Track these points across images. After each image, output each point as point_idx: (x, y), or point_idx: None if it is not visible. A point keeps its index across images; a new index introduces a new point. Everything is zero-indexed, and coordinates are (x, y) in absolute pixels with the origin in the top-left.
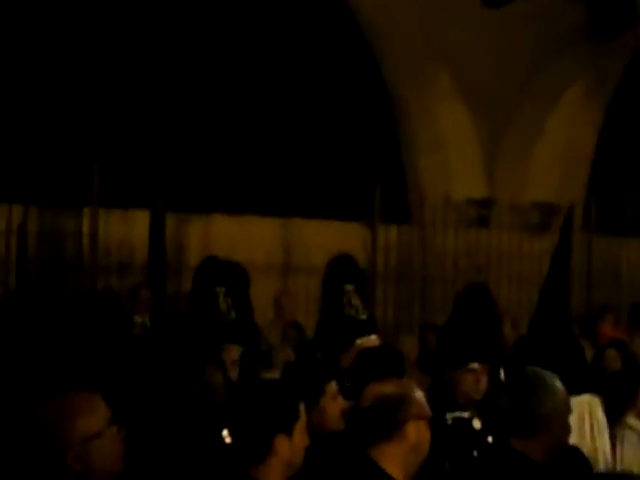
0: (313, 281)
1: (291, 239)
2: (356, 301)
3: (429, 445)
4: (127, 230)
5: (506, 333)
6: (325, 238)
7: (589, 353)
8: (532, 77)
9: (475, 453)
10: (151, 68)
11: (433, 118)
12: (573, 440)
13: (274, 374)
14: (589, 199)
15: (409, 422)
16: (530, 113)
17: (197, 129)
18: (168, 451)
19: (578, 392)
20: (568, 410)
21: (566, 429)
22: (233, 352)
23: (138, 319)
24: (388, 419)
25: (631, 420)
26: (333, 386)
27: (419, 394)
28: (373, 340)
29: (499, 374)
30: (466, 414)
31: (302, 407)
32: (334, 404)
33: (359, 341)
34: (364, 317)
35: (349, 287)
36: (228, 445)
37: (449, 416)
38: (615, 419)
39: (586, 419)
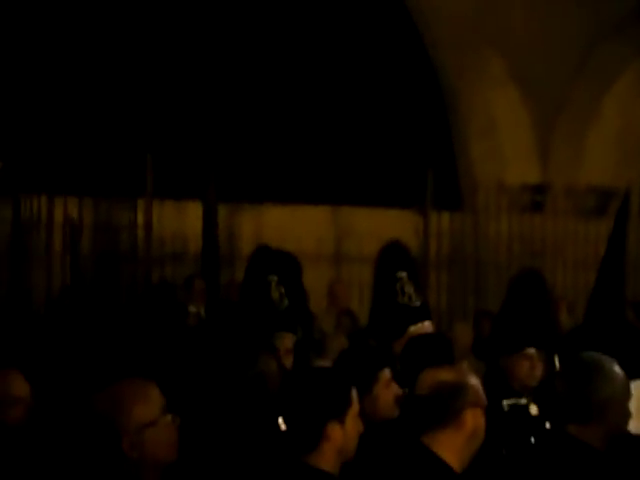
0: (365, 269)
1: (342, 227)
2: (409, 288)
3: (484, 433)
4: (180, 221)
5: (562, 319)
6: (376, 226)
7: None
8: (585, 60)
9: (532, 440)
10: (201, 59)
11: (485, 103)
12: (633, 425)
13: (327, 362)
14: None
15: (466, 410)
16: (584, 96)
17: (248, 119)
18: (222, 440)
19: (637, 376)
20: (627, 395)
21: (625, 415)
22: (287, 340)
23: (193, 309)
24: (445, 407)
25: None
26: (387, 373)
27: (475, 381)
28: (426, 327)
29: (559, 358)
30: (523, 400)
31: (354, 393)
32: (388, 391)
33: (412, 328)
34: (417, 304)
35: (402, 274)
36: (283, 433)
37: (505, 403)
38: None
39: None
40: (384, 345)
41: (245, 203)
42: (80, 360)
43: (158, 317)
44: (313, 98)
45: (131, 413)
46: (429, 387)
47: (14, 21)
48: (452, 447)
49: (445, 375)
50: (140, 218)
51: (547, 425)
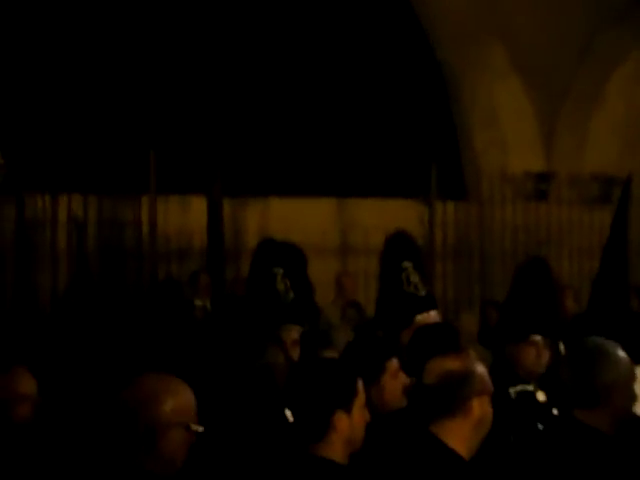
0: (371, 260)
1: (347, 219)
2: (415, 278)
3: (492, 420)
4: (185, 216)
5: (568, 306)
6: (381, 217)
7: None
8: (587, 48)
9: (540, 426)
10: (204, 52)
11: (487, 93)
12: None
13: (334, 354)
14: None
15: (473, 398)
16: (586, 84)
17: (252, 113)
18: (231, 432)
19: None
20: (632, 379)
21: (630, 398)
22: (293, 332)
23: (199, 303)
24: (452, 395)
25: None
26: (394, 363)
27: (481, 369)
28: (433, 316)
29: (564, 345)
30: (529, 387)
31: (360, 383)
32: (395, 381)
33: (419, 317)
34: (423, 293)
35: (407, 264)
36: (290, 424)
37: (512, 390)
38: None
39: None
40: (391, 335)
41: (250, 197)
42: (87, 357)
43: (165, 312)
44: (317, 91)
45: (164, 408)
46: (436, 376)
47: (16, 20)
48: (460, 435)
49: (451, 364)
50: (144, 215)
51: (554, 411)
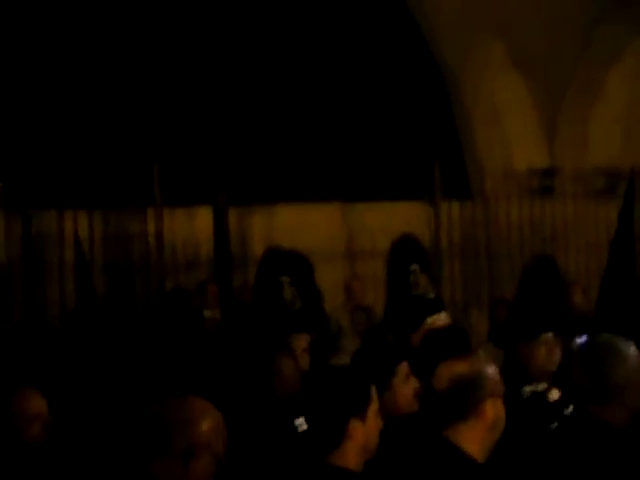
0: (378, 264)
1: (353, 224)
2: (423, 280)
3: (505, 421)
4: (191, 227)
5: (577, 302)
6: (387, 220)
7: None
8: (588, 39)
9: (554, 425)
10: (204, 60)
11: (488, 90)
12: None
13: (344, 360)
14: None
15: (485, 401)
16: (588, 76)
17: (254, 120)
18: (243, 442)
19: None
20: None
21: None
22: (302, 341)
23: (208, 313)
24: (465, 400)
25: None
26: (404, 367)
27: (492, 370)
28: (443, 318)
29: (572, 344)
30: (542, 386)
31: (374, 390)
32: (406, 385)
33: (429, 320)
34: (432, 296)
35: (414, 267)
36: (303, 433)
37: (525, 390)
38: None
39: None
40: (401, 339)
41: (255, 205)
42: (97, 374)
43: (175, 325)
44: (318, 96)
45: (202, 429)
46: (447, 381)
47: (19, 33)
48: (474, 439)
49: (462, 368)
50: (151, 227)
51: (568, 410)
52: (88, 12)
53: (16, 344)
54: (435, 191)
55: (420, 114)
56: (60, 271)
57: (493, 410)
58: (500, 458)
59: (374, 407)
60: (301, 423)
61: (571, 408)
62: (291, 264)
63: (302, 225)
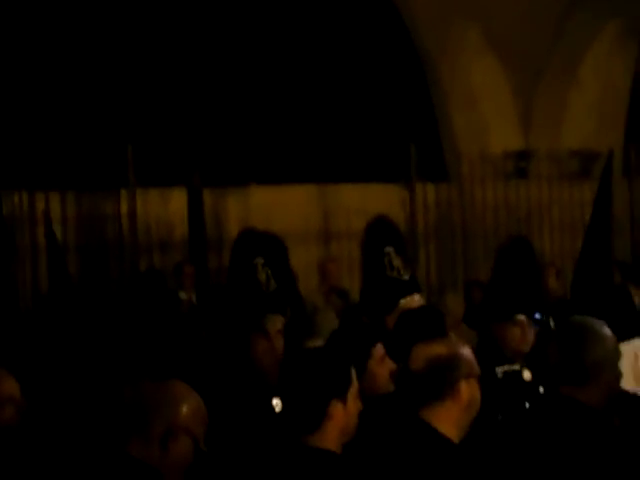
0: (354, 245)
1: (329, 205)
2: (397, 262)
3: (480, 402)
4: (165, 208)
5: (551, 284)
6: (363, 201)
7: (636, 299)
8: (562, 26)
9: (527, 404)
10: (180, 45)
11: (464, 74)
12: (628, 385)
13: (319, 342)
14: (627, 144)
15: (461, 381)
16: (562, 62)
17: (228, 102)
18: (221, 425)
19: (628, 337)
20: (618, 356)
21: (617, 375)
22: (276, 322)
23: (184, 296)
24: (441, 380)
25: None
26: (380, 349)
27: (467, 352)
28: (417, 299)
29: (548, 324)
30: (515, 367)
31: (353, 372)
32: (382, 367)
33: (403, 301)
34: (406, 277)
35: (389, 249)
36: (280, 414)
37: (499, 370)
38: None
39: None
40: (376, 320)
41: (230, 186)
42: (71, 356)
43: (150, 307)
44: (294, 78)
45: (182, 412)
46: (423, 362)
47: None
48: (450, 419)
49: (437, 349)
50: (124, 208)
51: (541, 389)
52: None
53: None
54: (411, 173)
55: (397, 97)
56: (33, 253)
57: (468, 390)
58: (475, 438)
59: (354, 389)
60: (277, 404)
61: (542, 389)
62: (265, 246)
63: (277, 206)
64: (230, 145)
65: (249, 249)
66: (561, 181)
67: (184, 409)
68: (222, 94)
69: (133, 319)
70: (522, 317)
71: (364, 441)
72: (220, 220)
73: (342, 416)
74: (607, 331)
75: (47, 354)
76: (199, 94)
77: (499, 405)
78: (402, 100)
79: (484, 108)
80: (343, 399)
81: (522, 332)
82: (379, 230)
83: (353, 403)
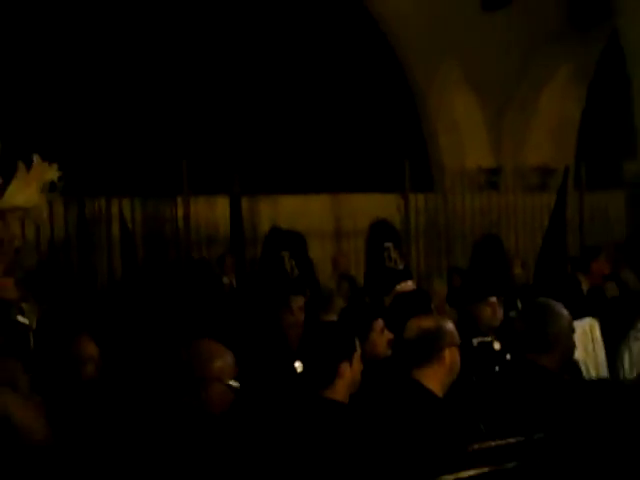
0: (360, 242)
1: (340, 210)
2: (394, 255)
3: (460, 365)
4: (212, 212)
5: (517, 272)
6: (367, 208)
7: (584, 285)
8: (526, 65)
9: (497, 368)
10: (225, 86)
11: (448, 105)
12: (579, 355)
13: (332, 317)
14: (578, 162)
15: (445, 349)
16: (526, 95)
17: (264, 129)
18: (254, 380)
19: (577, 317)
20: (572, 330)
21: (572, 345)
22: (299, 301)
23: (226, 280)
24: (429, 348)
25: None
26: (380, 323)
27: (450, 325)
28: (409, 285)
29: (516, 305)
30: (488, 338)
31: (357, 341)
32: (382, 337)
33: (398, 286)
34: (401, 267)
35: (388, 244)
36: (300, 374)
37: (474, 341)
38: (614, 336)
39: (588, 337)
40: (377, 300)
41: (263, 195)
42: (138, 324)
43: (200, 288)
44: (315, 110)
45: (213, 366)
46: (415, 333)
47: (78, 37)
48: (435, 378)
49: (427, 322)
50: (180, 212)
51: (507, 357)
52: (133, 21)
53: (73, 304)
54: (405, 185)
55: (394, 123)
56: (108, 246)
57: (450, 356)
58: (455, 394)
59: (358, 354)
60: (299, 366)
61: (508, 356)
62: (290, 242)
63: (300, 211)
64: (263, 163)
65: (277, 244)
66: (525, 192)
67: (218, 363)
68: (261, 123)
69: (186, 297)
70: (493, 299)
71: (367, 394)
72: (254, 221)
73: (349, 374)
74: (564, 310)
75: (119, 324)
76: (241, 122)
77: (474, 369)
78: (398, 126)
79: (463, 133)
80: (350, 361)
81: (493, 311)
82: (380, 230)
83: (357, 364)
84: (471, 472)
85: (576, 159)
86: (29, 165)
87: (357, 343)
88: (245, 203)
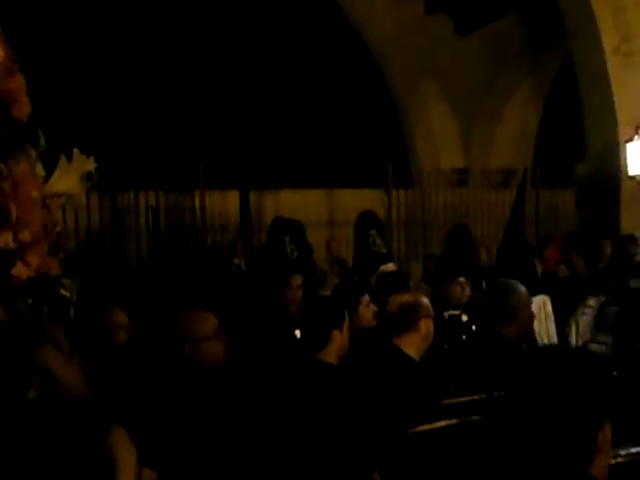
0: (349, 230)
1: (333, 203)
2: (378, 241)
3: (433, 334)
4: (224, 204)
5: (482, 258)
6: (356, 201)
7: (539, 268)
8: (493, 81)
9: (464, 337)
10: (234, 96)
11: (425, 115)
12: (534, 326)
13: (327, 292)
14: (535, 164)
15: (421, 319)
16: (492, 106)
17: (268, 133)
18: (257, 345)
19: (534, 294)
20: (529, 304)
21: (530, 317)
22: (298, 279)
23: (236, 261)
24: (407, 319)
25: (590, 302)
26: (366, 297)
27: (426, 300)
28: (391, 267)
29: (481, 284)
30: (457, 312)
31: (346, 312)
32: (367, 309)
33: (382, 267)
34: (384, 251)
35: (373, 232)
36: (298, 340)
37: (445, 314)
38: (564, 310)
39: (541, 311)
40: (364, 279)
41: (267, 190)
42: (162, 297)
43: (214, 268)
44: (315, 119)
45: (193, 329)
46: (396, 306)
47: (113, 47)
48: (413, 345)
49: (406, 297)
50: (197, 203)
51: (473, 327)
52: (173, 30)
53: (106, 282)
54: (389, 183)
55: (380, 131)
56: (136, 232)
57: (426, 326)
58: (429, 359)
59: (347, 323)
60: (298, 333)
61: (474, 327)
62: (290, 228)
63: (299, 203)
64: (268, 163)
65: (279, 231)
66: (489, 189)
67: (205, 326)
68: (267, 131)
69: (202, 276)
70: (462, 279)
71: (354, 358)
72: (260, 212)
73: (339, 340)
74: (521, 286)
75: (146, 297)
76: (249, 130)
77: (445, 337)
78: (383, 133)
79: (437, 139)
80: (340, 329)
81: (462, 289)
82: (366, 220)
83: (346, 332)
84: (442, 423)
85: (534, 161)
86: (70, 158)
87: (346, 314)
88: (252, 196)
